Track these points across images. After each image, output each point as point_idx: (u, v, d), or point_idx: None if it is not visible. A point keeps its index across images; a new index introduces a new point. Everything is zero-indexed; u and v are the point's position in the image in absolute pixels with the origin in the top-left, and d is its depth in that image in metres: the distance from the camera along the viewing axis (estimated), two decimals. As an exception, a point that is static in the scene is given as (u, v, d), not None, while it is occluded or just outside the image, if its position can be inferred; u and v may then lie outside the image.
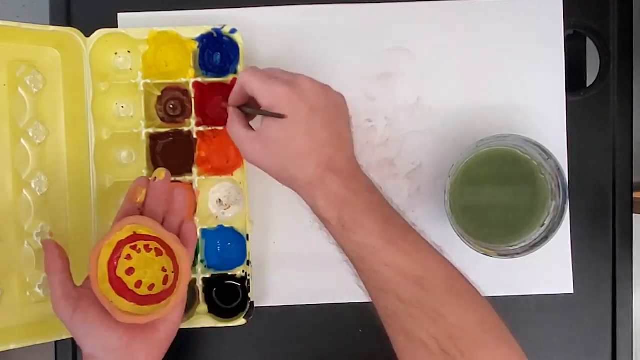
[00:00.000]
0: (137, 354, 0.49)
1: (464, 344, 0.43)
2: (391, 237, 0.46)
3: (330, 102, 0.49)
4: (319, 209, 0.47)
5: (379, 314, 0.47)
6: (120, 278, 0.51)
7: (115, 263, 0.50)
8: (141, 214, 0.52)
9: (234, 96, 0.52)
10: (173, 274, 0.51)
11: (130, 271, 0.51)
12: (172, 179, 0.59)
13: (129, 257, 0.51)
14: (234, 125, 0.51)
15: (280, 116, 0.47)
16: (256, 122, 0.52)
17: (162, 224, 0.52)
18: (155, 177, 0.53)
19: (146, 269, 0.52)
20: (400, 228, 0.47)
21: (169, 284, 0.51)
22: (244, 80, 0.49)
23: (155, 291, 0.51)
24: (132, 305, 0.50)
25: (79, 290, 0.50)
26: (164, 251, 0.52)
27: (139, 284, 0.51)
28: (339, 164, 0.48)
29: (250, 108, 0.52)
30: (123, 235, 0.50)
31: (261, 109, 0.49)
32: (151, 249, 0.52)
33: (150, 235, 0.51)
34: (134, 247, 0.51)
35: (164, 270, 0.52)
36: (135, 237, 0.51)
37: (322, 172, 0.47)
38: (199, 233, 0.59)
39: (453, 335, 0.43)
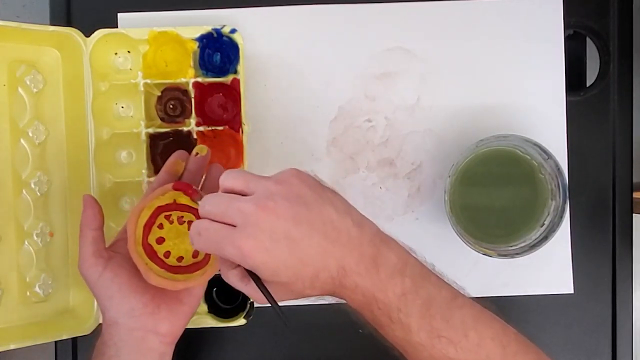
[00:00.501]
0: (161, 323, 0.49)
1: None
2: (433, 328, 0.42)
3: (301, 197, 0.42)
4: (353, 308, 0.43)
5: None
6: (151, 245, 0.50)
7: (149, 230, 0.50)
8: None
9: (224, 268, 0.45)
10: None
11: (160, 240, 0.50)
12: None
13: (160, 226, 0.50)
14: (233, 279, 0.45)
15: (284, 324, 0.43)
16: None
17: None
18: (197, 153, 0.53)
19: (177, 240, 0.51)
20: (442, 310, 0.42)
21: (200, 257, 0.51)
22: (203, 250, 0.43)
23: (184, 263, 0.51)
24: (163, 272, 0.49)
25: (109, 251, 0.50)
26: None
27: (167, 254, 0.50)
28: (351, 260, 0.41)
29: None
30: (164, 201, 0.50)
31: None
32: (184, 221, 0.51)
33: (188, 206, 0.51)
34: (167, 217, 0.51)
35: None
36: (173, 206, 0.50)
37: (340, 282, 0.42)
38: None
39: None
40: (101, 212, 0.51)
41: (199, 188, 0.52)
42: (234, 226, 0.41)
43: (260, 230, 0.40)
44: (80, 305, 0.58)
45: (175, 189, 0.50)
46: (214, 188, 0.51)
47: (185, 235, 0.51)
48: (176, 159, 0.52)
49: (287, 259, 0.40)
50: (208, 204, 0.42)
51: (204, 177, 0.54)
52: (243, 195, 0.42)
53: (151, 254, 0.50)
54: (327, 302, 0.62)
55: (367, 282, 0.42)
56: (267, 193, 0.41)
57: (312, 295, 0.43)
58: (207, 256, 0.51)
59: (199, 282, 0.50)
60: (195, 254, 0.51)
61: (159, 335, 0.50)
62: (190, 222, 0.51)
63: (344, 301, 0.44)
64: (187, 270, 0.50)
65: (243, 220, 0.40)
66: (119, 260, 0.49)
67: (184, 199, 0.50)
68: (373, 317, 0.43)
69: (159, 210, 0.50)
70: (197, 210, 0.49)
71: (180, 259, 0.51)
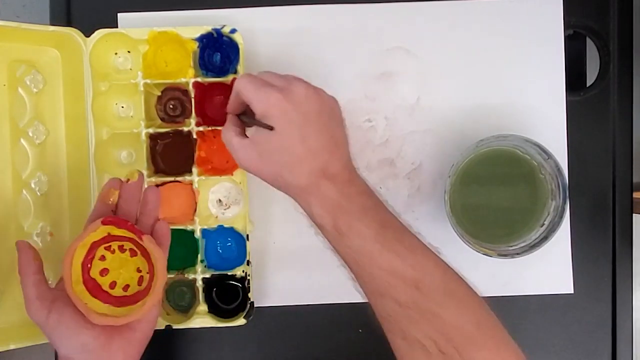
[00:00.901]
0: (115, 354, 0.49)
1: (461, 344, 0.43)
2: (386, 240, 0.46)
3: (324, 106, 0.49)
4: (314, 215, 0.47)
5: (377, 317, 0.47)
6: (94, 279, 0.50)
7: (89, 264, 0.50)
8: (114, 214, 0.52)
9: (231, 104, 0.52)
10: (148, 275, 0.51)
11: (104, 272, 0.50)
12: (172, 179, 0.59)
13: (102, 258, 0.50)
14: (228, 133, 0.51)
15: (269, 128, 0.47)
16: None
17: (134, 224, 0.51)
18: (129, 179, 0.52)
19: (120, 269, 0.51)
20: (396, 231, 0.47)
21: (144, 284, 0.51)
22: (239, 87, 0.49)
23: (130, 292, 0.51)
24: (107, 306, 0.49)
25: (53, 291, 0.49)
26: (138, 252, 0.51)
27: (113, 284, 0.50)
28: (334, 169, 0.47)
29: (246, 116, 0.52)
30: (97, 236, 0.50)
31: (255, 117, 0.49)
32: (125, 249, 0.51)
33: (124, 236, 0.50)
34: (107, 248, 0.51)
35: (138, 270, 0.51)
36: (109, 238, 0.50)
37: (316, 179, 0.47)
38: (199, 233, 0.59)
39: (451, 336, 0.43)
40: (37, 255, 0.50)
41: (138, 212, 0.52)
42: None
43: (293, 95, 0.47)
44: (80, 305, 0.58)
45: (104, 223, 0.49)
46: (150, 211, 0.52)
47: (129, 262, 0.51)
48: (109, 189, 0.52)
49: (294, 128, 0.46)
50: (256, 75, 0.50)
51: (140, 201, 0.53)
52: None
53: (95, 288, 0.49)
54: (327, 302, 0.63)
55: (338, 189, 0.47)
56: (303, 83, 0.49)
57: (284, 181, 0.48)
58: (149, 285, 0.50)
59: (139, 314, 0.49)
60: (140, 281, 0.51)
61: None
62: (131, 250, 0.51)
63: (310, 214, 0.48)
64: (133, 299, 0.50)
65: (286, 84, 0.48)
66: (64, 300, 0.49)
67: (118, 231, 0.50)
68: (334, 223, 0.46)
69: (95, 244, 0.50)
70: (133, 239, 0.50)
71: (126, 287, 0.51)
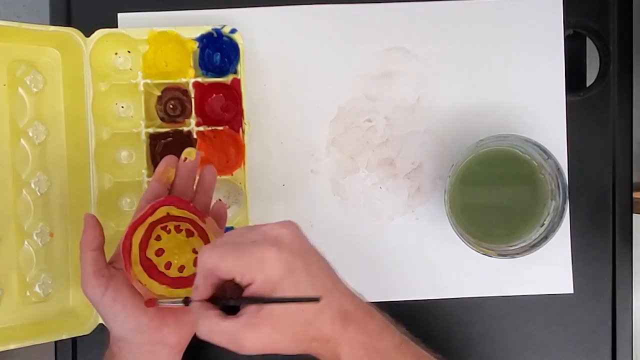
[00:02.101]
0: (168, 336, 0.49)
1: None
2: None
3: (306, 240, 0.44)
4: None
5: None
6: (150, 259, 0.49)
7: (146, 244, 0.49)
8: (169, 193, 0.51)
9: (201, 290, 0.42)
10: None
11: (159, 252, 0.50)
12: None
13: (158, 237, 0.50)
14: (214, 324, 0.41)
15: (314, 300, 0.39)
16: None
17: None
18: (186, 158, 0.51)
19: (176, 250, 0.50)
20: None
21: None
22: (211, 265, 0.41)
23: (186, 273, 0.50)
24: (164, 287, 0.49)
25: (110, 269, 0.49)
26: (195, 232, 0.50)
27: (168, 265, 0.50)
28: (350, 307, 0.43)
29: (233, 298, 0.43)
30: (157, 216, 0.49)
31: (242, 292, 0.41)
32: (182, 229, 0.50)
33: (183, 217, 0.50)
34: (164, 228, 0.50)
35: (194, 252, 0.51)
36: (167, 218, 0.50)
37: (340, 324, 0.42)
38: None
39: None
40: (102, 232, 0.50)
41: (194, 191, 0.52)
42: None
43: (282, 241, 0.41)
44: (80, 305, 0.58)
45: (165, 204, 0.48)
46: (207, 191, 0.52)
47: (185, 243, 0.51)
48: (165, 167, 0.51)
49: (301, 278, 0.41)
50: (219, 242, 0.43)
51: (196, 180, 0.53)
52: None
53: (151, 269, 0.49)
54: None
55: (365, 330, 0.43)
56: (278, 232, 0.43)
57: (308, 337, 0.42)
58: None
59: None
60: (196, 262, 0.49)
61: (167, 347, 0.50)
62: (188, 230, 0.51)
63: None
64: (188, 282, 0.49)
65: (264, 236, 0.42)
66: (121, 279, 0.48)
67: (177, 211, 0.49)
68: None
69: (153, 224, 0.49)
70: (191, 220, 0.49)
71: (181, 268, 0.50)
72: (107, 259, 0.50)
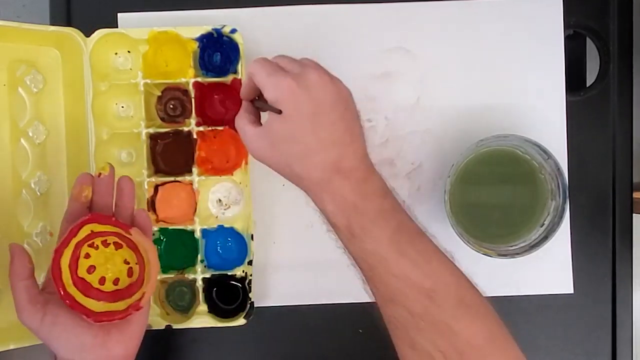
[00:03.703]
0: (114, 349, 0.48)
1: (472, 358, 0.42)
2: (401, 246, 0.44)
3: (340, 96, 0.46)
4: (327, 213, 0.45)
5: (385, 323, 0.46)
6: (82, 278, 0.49)
7: (75, 265, 0.48)
8: (89, 210, 0.51)
9: (244, 89, 0.50)
10: (137, 265, 0.50)
11: (91, 269, 0.49)
12: (172, 179, 0.59)
13: (87, 255, 0.49)
14: (241, 121, 0.49)
15: (278, 112, 0.45)
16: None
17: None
18: (100, 173, 0.51)
19: (107, 264, 0.50)
20: (412, 236, 0.45)
21: (135, 276, 0.50)
22: (252, 71, 0.47)
23: (121, 285, 0.50)
24: (102, 303, 0.48)
25: (43, 294, 0.48)
26: (123, 244, 0.50)
27: (102, 280, 0.49)
28: (349, 164, 0.45)
29: (259, 101, 0.50)
30: (80, 235, 0.48)
31: (267, 103, 0.47)
32: (109, 243, 0.50)
33: (107, 231, 0.49)
34: (91, 245, 0.49)
35: (126, 262, 0.50)
36: (92, 236, 0.49)
37: (329, 174, 0.45)
38: (199, 233, 0.59)
39: (461, 350, 0.42)
40: (30, 260, 0.48)
41: (113, 204, 0.51)
42: None
43: (306, 81, 0.45)
44: (80, 305, 0.58)
45: (87, 222, 0.48)
46: (127, 202, 0.51)
47: (115, 256, 0.50)
48: (81, 186, 0.50)
49: (306, 118, 0.45)
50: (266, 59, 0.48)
51: (114, 194, 0.52)
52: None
53: (85, 287, 0.48)
54: (327, 302, 0.63)
55: (352, 187, 0.45)
56: (319, 71, 0.47)
57: (295, 173, 0.46)
58: (141, 275, 0.50)
59: (141, 306, 0.48)
60: (130, 273, 0.50)
61: None
62: (115, 243, 0.50)
63: (322, 210, 0.46)
64: (125, 293, 0.49)
65: (300, 70, 0.46)
66: (57, 302, 0.48)
67: (100, 227, 0.49)
68: (347, 224, 0.45)
69: (79, 244, 0.49)
70: (117, 232, 0.49)
71: (116, 281, 0.50)
72: (40, 285, 0.49)
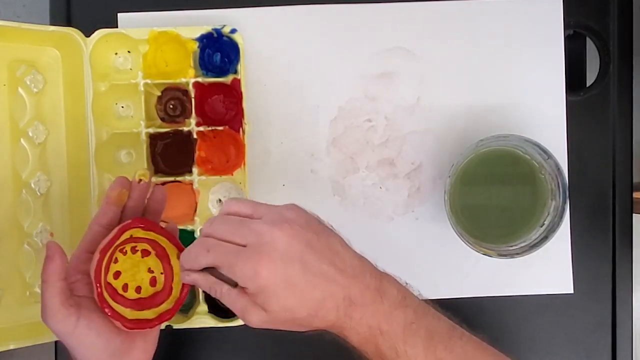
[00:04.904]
0: (137, 355, 0.48)
1: None
2: (438, 358, 0.42)
3: (308, 233, 0.43)
4: (354, 345, 0.43)
5: None
6: (110, 283, 0.48)
7: (107, 269, 0.48)
8: (121, 215, 0.50)
9: (190, 264, 0.44)
10: (163, 275, 0.50)
11: (117, 275, 0.49)
12: (172, 179, 0.59)
13: (115, 260, 0.49)
14: (223, 289, 0.43)
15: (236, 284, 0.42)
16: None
17: None
18: (141, 179, 0.50)
19: (132, 271, 0.49)
20: (444, 339, 0.43)
21: (160, 285, 0.50)
22: (202, 261, 0.43)
23: (144, 294, 0.49)
24: (129, 311, 0.48)
25: (75, 298, 0.46)
26: (152, 252, 0.50)
27: (125, 287, 0.49)
28: (357, 289, 0.42)
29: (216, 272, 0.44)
30: (121, 239, 0.48)
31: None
32: (137, 250, 0.50)
33: (145, 238, 0.49)
34: (121, 250, 0.49)
35: (150, 271, 0.50)
36: (130, 240, 0.49)
37: (344, 311, 0.42)
38: (199, 233, 0.59)
39: None
40: (66, 261, 0.47)
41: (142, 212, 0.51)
42: (243, 246, 0.41)
43: (275, 250, 0.41)
44: (80, 305, 0.58)
45: (135, 226, 0.47)
46: (157, 212, 0.51)
47: (140, 263, 0.50)
48: (120, 190, 0.49)
49: (298, 283, 0.41)
50: (215, 223, 0.43)
51: (146, 200, 0.51)
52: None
53: (113, 292, 0.48)
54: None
55: (372, 313, 0.42)
56: (279, 216, 0.42)
57: (311, 326, 0.43)
58: (168, 285, 0.49)
59: (171, 315, 0.48)
60: (153, 282, 0.50)
61: None
62: (143, 251, 0.49)
63: (349, 343, 0.44)
64: (151, 301, 0.49)
65: (257, 240, 0.41)
66: (88, 305, 0.46)
67: (141, 233, 0.49)
68: (377, 351, 0.43)
69: (116, 248, 0.48)
70: (152, 240, 0.49)
71: (138, 289, 0.49)
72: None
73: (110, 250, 0.47)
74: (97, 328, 0.46)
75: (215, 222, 0.43)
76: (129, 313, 0.48)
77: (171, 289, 0.50)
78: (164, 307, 0.49)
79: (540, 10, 0.62)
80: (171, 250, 0.50)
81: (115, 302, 0.48)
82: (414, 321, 0.43)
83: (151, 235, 0.49)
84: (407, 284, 0.46)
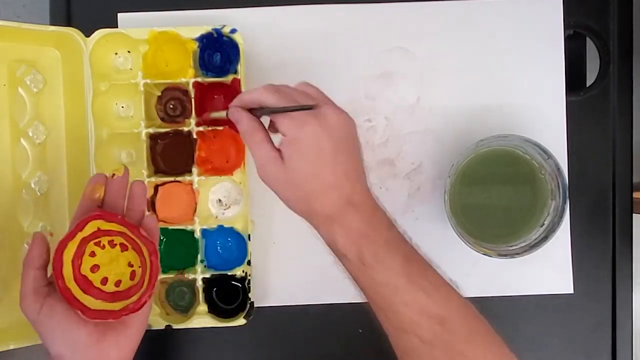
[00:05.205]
0: (108, 351, 0.48)
1: None
2: (412, 275, 0.45)
3: (350, 132, 0.48)
4: (337, 244, 0.46)
5: (397, 353, 0.46)
6: (85, 276, 0.49)
7: (80, 261, 0.48)
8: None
9: (246, 100, 0.49)
10: (140, 269, 0.50)
11: (94, 268, 0.49)
12: (172, 179, 0.59)
13: (92, 254, 0.49)
14: (256, 138, 0.48)
15: (311, 107, 0.46)
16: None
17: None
18: (114, 174, 0.51)
19: (111, 265, 0.50)
20: (421, 265, 0.46)
21: (137, 279, 0.50)
22: (265, 101, 0.47)
23: (122, 287, 0.50)
24: (100, 302, 0.48)
25: (49, 288, 0.48)
26: (129, 246, 0.50)
27: (104, 280, 0.49)
28: (360, 197, 0.46)
29: (267, 108, 0.48)
30: (87, 232, 0.48)
31: (288, 106, 0.46)
32: (115, 244, 0.50)
33: (114, 230, 0.49)
34: (97, 244, 0.50)
35: (130, 265, 0.50)
36: (99, 233, 0.49)
37: (342, 207, 0.46)
38: (199, 233, 0.59)
39: None
40: (48, 251, 0.49)
41: (124, 207, 0.51)
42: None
43: (327, 123, 0.46)
44: (80, 305, 0.58)
45: (93, 218, 0.48)
46: (138, 205, 0.51)
47: (120, 257, 0.50)
48: (94, 184, 0.50)
49: (325, 158, 0.45)
50: (290, 86, 0.48)
51: (126, 196, 0.52)
52: None
53: (86, 285, 0.48)
54: (327, 302, 0.63)
55: (364, 218, 0.46)
56: (342, 110, 0.48)
57: (309, 209, 0.47)
58: (142, 278, 0.49)
59: (135, 309, 0.48)
60: (132, 275, 0.50)
61: None
62: (122, 244, 0.50)
63: (332, 243, 0.47)
64: (126, 294, 0.49)
65: (318, 111, 0.46)
66: (56, 295, 0.48)
67: (107, 225, 0.49)
68: (359, 253, 0.45)
69: (85, 240, 0.49)
70: (123, 233, 0.49)
71: (118, 282, 0.50)
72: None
73: (77, 242, 0.48)
74: (58, 318, 0.47)
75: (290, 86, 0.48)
76: (99, 304, 0.48)
77: (144, 281, 0.49)
78: (132, 299, 0.49)
79: (540, 10, 0.62)
80: (144, 242, 0.49)
81: (87, 293, 0.48)
82: (397, 241, 0.47)
83: (117, 227, 0.49)
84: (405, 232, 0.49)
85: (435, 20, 0.62)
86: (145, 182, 0.58)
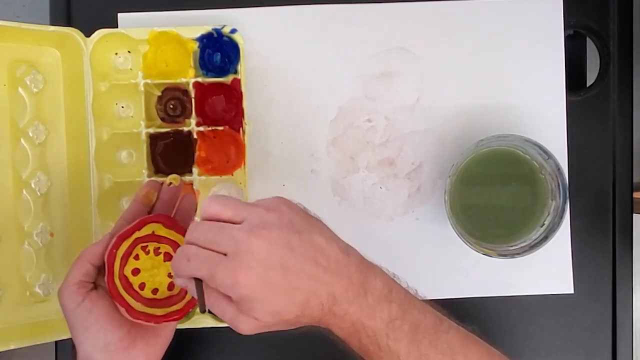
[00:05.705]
0: (136, 357, 0.48)
1: None
2: (422, 354, 0.43)
3: (287, 227, 0.42)
4: (339, 337, 0.44)
5: None
6: (126, 276, 0.49)
7: (125, 260, 0.49)
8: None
9: (185, 268, 0.43)
10: None
11: (135, 271, 0.50)
12: (172, 179, 0.60)
13: (137, 257, 0.50)
14: (220, 304, 0.43)
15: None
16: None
17: None
18: (171, 182, 0.53)
19: (152, 271, 0.50)
20: (429, 334, 0.43)
21: (177, 290, 0.50)
22: (184, 270, 0.42)
23: (159, 296, 0.50)
24: (140, 305, 0.49)
25: (94, 284, 0.49)
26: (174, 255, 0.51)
27: (142, 286, 0.50)
28: (341, 286, 0.42)
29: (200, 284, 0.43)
30: (142, 233, 0.49)
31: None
32: (160, 252, 0.51)
33: (167, 238, 0.50)
34: (143, 248, 0.50)
35: (169, 276, 0.51)
36: (152, 237, 0.50)
37: (329, 309, 0.42)
38: (199, 233, 0.59)
39: None
40: (104, 255, 0.49)
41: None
42: (224, 254, 0.41)
43: (254, 258, 0.40)
44: (80, 305, 0.58)
45: (155, 221, 0.48)
46: (186, 219, 0.52)
47: (161, 266, 0.51)
48: (148, 190, 0.52)
49: (280, 287, 0.41)
50: (196, 230, 0.42)
51: (175, 206, 0.53)
52: (231, 223, 0.42)
53: (127, 285, 0.49)
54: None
55: (356, 309, 0.42)
56: (259, 220, 0.42)
57: (300, 324, 0.43)
58: (183, 290, 0.50)
59: (180, 315, 0.48)
60: (171, 286, 0.51)
61: None
62: (167, 254, 0.51)
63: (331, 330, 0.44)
64: (163, 303, 0.50)
65: (235, 248, 0.41)
66: (100, 293, 0.48)
67: (163, 231, 0.50)
68: (361, 345, 0.43)
69: (137, 241, 0.49)
70: (175, 242, 0.50)
71: (155, 291, 0.50)
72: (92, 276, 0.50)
73: (131, 241, 0.49)
74: (98, 314, 0.47)
75: (197, 229, 0.43)
76: (139, 307, 0.49)
77: (186, 292, 0.50)
78: (175, 307, 0.49)
79: (540, 10, 0.62)
80: None
81: (127, 293, 0.49)
82: (398, 317, 0.43)
83: (173, 235, 0.50)
84: (394, 275, 0.46)
85: (435, 20, 0.62)
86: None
